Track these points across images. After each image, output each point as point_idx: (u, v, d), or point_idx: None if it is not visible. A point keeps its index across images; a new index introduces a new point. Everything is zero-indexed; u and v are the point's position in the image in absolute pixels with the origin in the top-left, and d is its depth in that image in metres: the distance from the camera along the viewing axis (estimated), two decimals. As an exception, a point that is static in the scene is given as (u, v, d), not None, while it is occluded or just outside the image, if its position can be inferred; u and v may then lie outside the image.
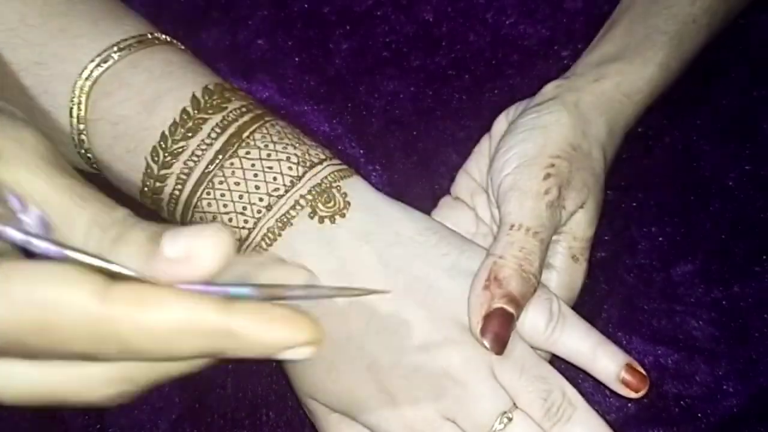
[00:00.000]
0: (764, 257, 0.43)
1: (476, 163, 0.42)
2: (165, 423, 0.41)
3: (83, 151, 0.39)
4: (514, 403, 0.34)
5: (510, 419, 0.34)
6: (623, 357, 0.36)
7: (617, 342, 0.41)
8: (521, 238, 0.36)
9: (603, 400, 0.40)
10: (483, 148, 0.43)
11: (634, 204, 0.45)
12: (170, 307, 0.21)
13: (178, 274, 0.21)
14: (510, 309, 0.34)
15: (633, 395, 0.36)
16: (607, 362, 0.35)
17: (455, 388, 0.34)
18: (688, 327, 0.42)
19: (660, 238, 0.44)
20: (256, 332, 0.21)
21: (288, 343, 0.22)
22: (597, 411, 0.37)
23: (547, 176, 0.37)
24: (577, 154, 0.38)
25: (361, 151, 0.46)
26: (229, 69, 0.47)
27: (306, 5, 0.49)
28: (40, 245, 0.21)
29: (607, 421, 0.40)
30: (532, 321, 0.35)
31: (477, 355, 0.34)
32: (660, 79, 0.42)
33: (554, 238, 0.38)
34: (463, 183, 0.43)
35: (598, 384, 0.41)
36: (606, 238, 0.44)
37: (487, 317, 0.34)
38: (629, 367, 0.35)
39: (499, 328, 0.34)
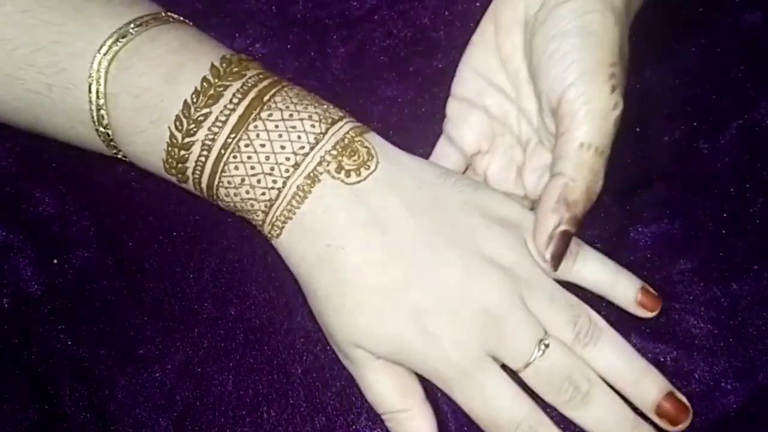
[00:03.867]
0: (763, 255, 0.43)
1: (483, 56, 0.42)
2: (166, 421, 0.42)
3: (102, 128, 0.39)
4: (545, 331, 0.36)
5: (547, 346, 0.36)
6: (638, 281, 0.39)
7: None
8: (591, 159, 0.36)
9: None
10: (487, 38, 0.41)
11: (634, 203, 0.45)
12: None
13: None
14: (573, 230, 0.36)
15: (649, 315, 0.39)
16: (625, 287, 0.38)
17: (495, 324, 0.36)
18: (686, 325, 0.42)
19: (658, 237, 0.44)
20: None
21: None
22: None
23: (613, 89, 0.36)
24: (623, 56, 0.37)
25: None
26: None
27: (303, 10, 0.49)
28: None
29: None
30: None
31: (511, 289, 0.36)
32: None
33: None
34: (470, 81, 0.42)
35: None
36: (605, 236, 0.44)
37: (558, 240, 0.36)
38: (644, 290, 0.39)
39: (559, 248, 0.36)
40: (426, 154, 0.44)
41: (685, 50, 0.48)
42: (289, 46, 0.49)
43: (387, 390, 0.38)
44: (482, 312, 0.36)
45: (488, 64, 0.42)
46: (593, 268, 0.38)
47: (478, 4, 0.49)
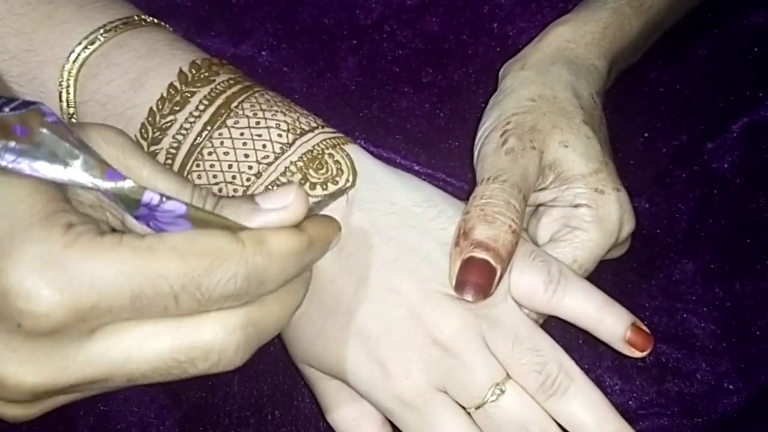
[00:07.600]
0: (765, 255, 0.44)
1: None
2: (171, 421, 0.42)
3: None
4: (508, 374, 0.33)
5: (503, 391, 0.33)
6: (629, 317, 0.34)
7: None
8: (481, 189, 0.35)
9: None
10: None
11: (636, 204, 0.45)
12: (281, 237, 0.27)
13: (273, 222, 0.28)
14: (480, 255, 0.33)
15: (638, 355, 0.34)
16: (613, 323, 0.34)
17: (446, 358, 0.33)
18: (689, 325, 0.42)
19: (661, 237, 0.44)
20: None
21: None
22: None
23: (504, 132, 0.37)
24: (539, 103, 0.38)
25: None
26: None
27: (309, 18, 0.49)
28: (176, 205, 0.26)
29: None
30: (530, 284, 0.34)
31: (468, 325, 0.34)
32: (612, 22, 0.41)
33: (566, 186, 0.37)
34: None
35: (600, 381, 0.41)
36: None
37: (461, 270, 0.33)
38: (635, 327, 0.34)
39: (476, 277, 0.33)
40: (449, 168, 0.44)
41: (691, 52, 0.49)
42: (296, 55, 0.48)
43: (341, 416, 0.37)
44: (432, 344, 0.34)
45: None
46: (576, 300, 0.34)
47: (485, 10, 0.49)
